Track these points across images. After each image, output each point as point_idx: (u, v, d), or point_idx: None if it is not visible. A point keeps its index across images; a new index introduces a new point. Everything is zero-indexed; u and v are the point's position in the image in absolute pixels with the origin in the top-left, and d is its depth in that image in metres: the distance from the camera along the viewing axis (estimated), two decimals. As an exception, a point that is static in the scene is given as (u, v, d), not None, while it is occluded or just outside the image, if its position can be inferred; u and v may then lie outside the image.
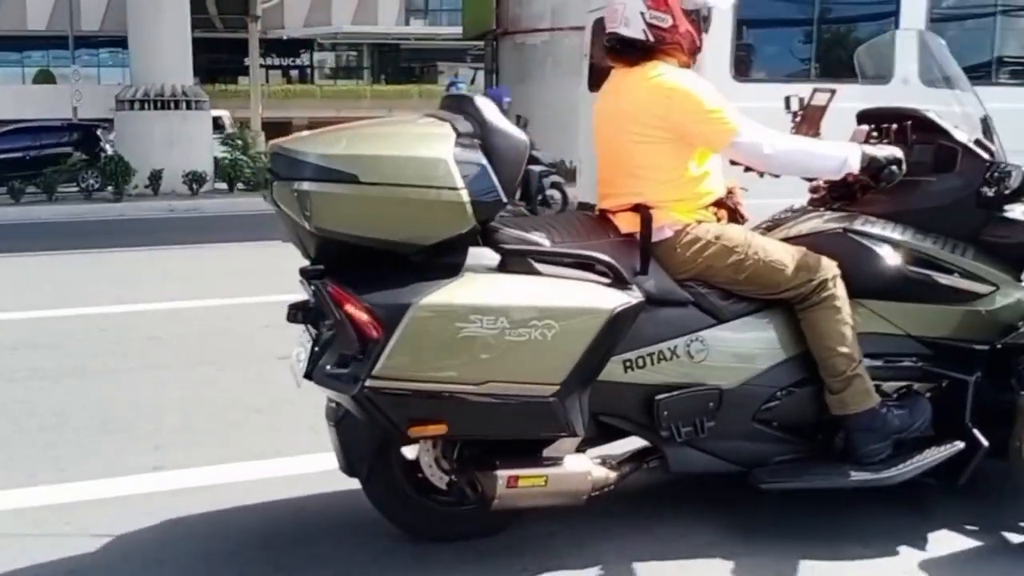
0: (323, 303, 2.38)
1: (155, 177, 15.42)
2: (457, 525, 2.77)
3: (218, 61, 37.30)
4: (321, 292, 2.38)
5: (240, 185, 16.53)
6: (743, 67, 5.16)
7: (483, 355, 2.29)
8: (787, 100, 3.34)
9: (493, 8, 11.85)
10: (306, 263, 2.59)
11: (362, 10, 41.60)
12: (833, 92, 3.17)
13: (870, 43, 4.16)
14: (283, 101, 37.93)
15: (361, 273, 2.33)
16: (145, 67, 16.58)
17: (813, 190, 3.14)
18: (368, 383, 2.23)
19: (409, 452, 2.70)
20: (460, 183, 2.28)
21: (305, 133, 2.54)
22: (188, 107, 16.54)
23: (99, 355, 5.18)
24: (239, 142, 18.22)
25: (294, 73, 44.01)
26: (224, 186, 16.60)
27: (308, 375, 2.43)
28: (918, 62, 5.05)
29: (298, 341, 2.63)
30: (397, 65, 44.13)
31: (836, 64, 5.72)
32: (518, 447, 2.52)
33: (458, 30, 45.89)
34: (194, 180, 15.61)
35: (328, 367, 2.37)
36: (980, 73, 5.57)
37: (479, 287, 2.33)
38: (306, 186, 2.25)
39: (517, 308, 2.31)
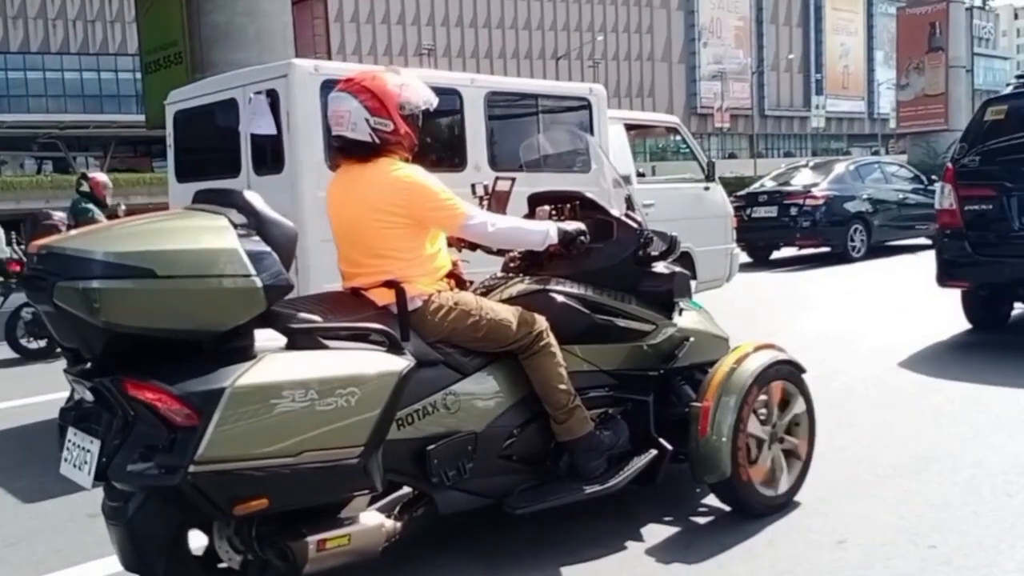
0: (112, 399, 2.33)
1: None
2: None
3: None
4: (110, 389, 2.33)
5: None
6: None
7: (297, 427, 2.39)
8: (473, 187, 3.82)
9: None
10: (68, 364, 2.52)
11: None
12: (513, 180, 3.71)
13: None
14: None
15: (156, 365, 2.32)
16: None
17: (510, 260, 3.62)
18: (192, 469, 2.23)
19: (195, 541, 2.67)
20: (252, 270, 2.38)
21: (74, 233, 2.47)
22: None
23: None
24: None
25: None
26: None
27: (102, 475, 2.35)
28: (486, 152, 5.92)
29: (67, 445, 2.51)
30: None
31: (421, 156, 6.35)
32: (315, 512, 2.61)
33: (29, 117, 41.84)
34: None
35: (128, 464, 2.29)
36: (532, 163, 6.47)
37: (283, 365, 2.43)
38: (96, 284, 2.20)
39: (323, 379, 2.44)
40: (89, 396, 2.44)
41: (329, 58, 12.60)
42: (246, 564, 2.65)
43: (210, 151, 6.43)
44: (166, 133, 6.32)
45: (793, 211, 13.39)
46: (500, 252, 3.59)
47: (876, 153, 52.68)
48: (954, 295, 7.01)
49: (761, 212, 13.71)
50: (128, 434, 2.31)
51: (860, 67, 79.46)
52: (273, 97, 5.15)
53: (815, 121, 68.11)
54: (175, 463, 2.24)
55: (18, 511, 4.00)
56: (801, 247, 14.03)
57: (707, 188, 8.25)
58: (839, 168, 14.36)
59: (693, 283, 7.68)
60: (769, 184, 14.74)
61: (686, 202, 8.00)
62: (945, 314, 7.25)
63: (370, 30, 58.71)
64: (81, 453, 2.44)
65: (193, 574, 2.65)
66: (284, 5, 11.43)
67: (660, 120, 8.80)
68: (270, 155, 5.30)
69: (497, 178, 3.77)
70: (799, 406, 3.55)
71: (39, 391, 6.36)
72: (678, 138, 8.72)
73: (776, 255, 14.32)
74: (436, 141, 6.63)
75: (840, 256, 13.34)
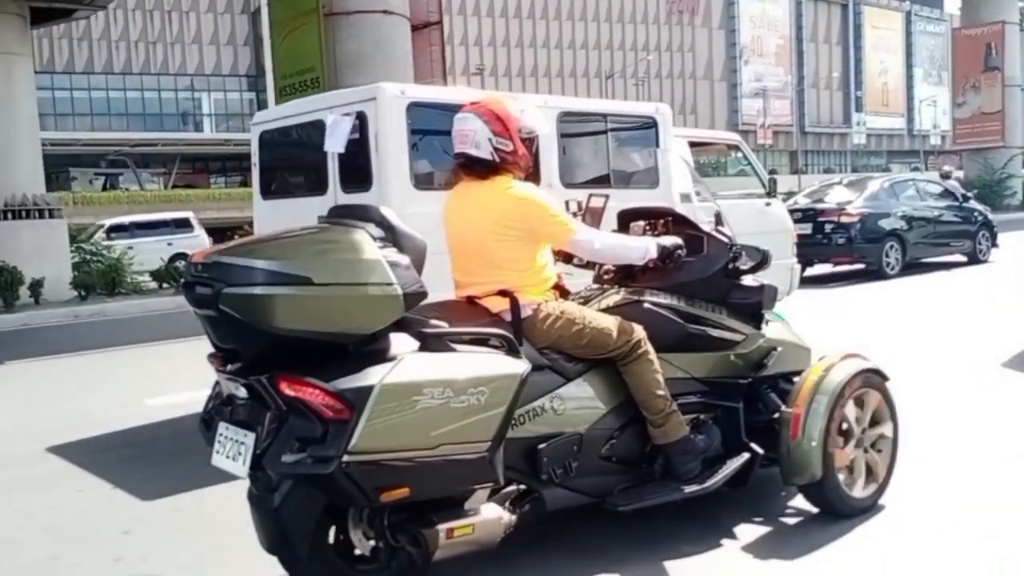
0: (267, 395, 2.50)
1: (36, 285, 13.67)
2: None
3: None
4: (265, 386, 2.50)
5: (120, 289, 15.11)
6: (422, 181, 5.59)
7: (435, 422, 2.54)
8: (566, 204, 3.96)
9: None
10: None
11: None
12: (607, 197, 3.83)
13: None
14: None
15: (306, 364, 2.48)
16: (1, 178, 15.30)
17: (604, 272, 3.73)
18: (345, 459, 2.39)
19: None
20: (394, 279, 2.56)
21: (233, 244, 2.64)
22: (49, 215, 15.42)
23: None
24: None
25: None
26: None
27: (257, 465, 2.52)
28: (557, 170, 6.08)
29: (219, 438, 2.69)
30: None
31: None
32: (441, 503, 2.75)
33: (100, 135, 43.32)
34: (83, 286, 14.43)
35: (283, 454, 2.46)
36: (600, 178, 6.63)
37: (421, 365, 2.59)
38: (259, 290, 2.40)
39: (457, 379, 2.60)
40: (242, 393, 2.62)
41: (444, 81, 13.33)
42: (377, 551, 2.82)
43: (296, 170, 6.60)
44: (251, 152, 6.50)
45: (828, 228, 13.26)
46: (589, 265, 3.71)
47: (916, 170, 52.13)
48: (1013, 309, 7.01)
49: (796, 229, 13.63)
50: (281, 427, 2.48)
51: (899, 84, 78.54)
52: (361, 119, 5.30)
53: (856, 138, 67.39)
54: (329, 453, 2.40)
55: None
56: (836, 264, 13.91)
57: (768, 204, 8.33)
58: (874, 185, 14.23)
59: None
60: (803, 201, 14.60)
61: (749, 217, 7.98)
62: (1018, 325, 7.24)
63: (418, 50, 59.24)
64: (235, 445, 2.62)
65: (330, 559, 2.81)
66: (405, 34, 12.29)
67: (722, 138, 8.94)
68: (358, 174, 5.44)
69: (591, 195, 3.89)
70: (884, 412, 3.63)
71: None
72: (739, 155, 8.79)
73: (809, 272, 14.21)
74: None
75: (875, 273, 13.21)
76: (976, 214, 14.93)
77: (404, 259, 2.64)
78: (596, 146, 6.60)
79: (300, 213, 5.76)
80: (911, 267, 13.59)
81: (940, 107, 66.97)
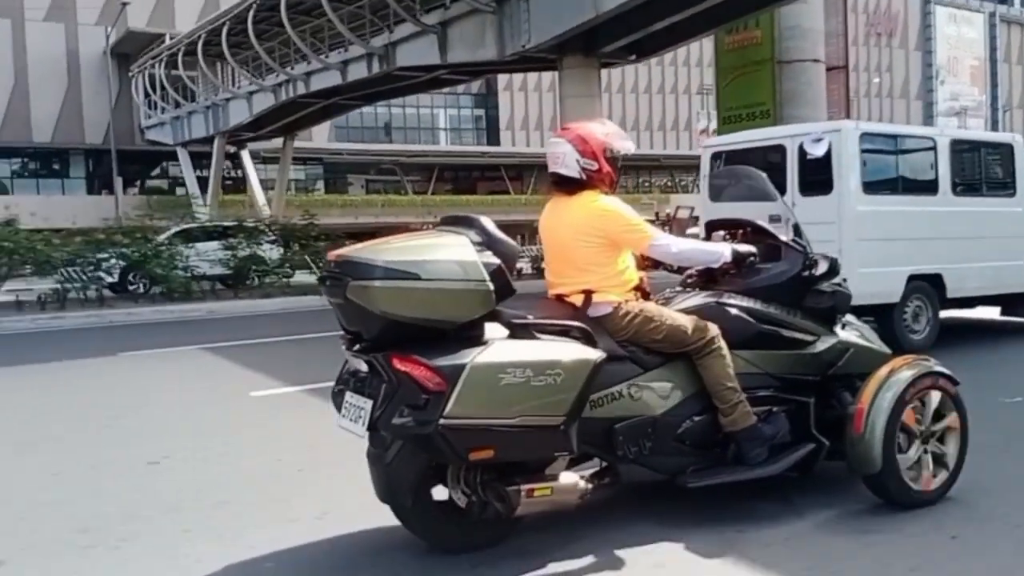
0: (382, 370, 2.74)
1: None
2: (473, 536, 3.08)
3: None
4: (380, 362, 2.74)
5: None
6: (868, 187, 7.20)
7: (517, 396, 2.70)
8: (656, 213, 4.03)
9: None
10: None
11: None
12: (692, 209, 3.88)
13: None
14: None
15: (414, 346, 2.70)
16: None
17: (688, 276, 3.71)
18: (441, 422, 2.60)
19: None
20: (487, 277, 2.75)
21: (360, 246, 2.85)
22: None
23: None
24: None
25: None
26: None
27: (372, 426, 2.77)
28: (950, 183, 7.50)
29: (345, 405, 2.93)
30: (320, 177, 46.87)
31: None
32: (527, 467, 2.93)
33: (383, 147, 46.41)
34: None
35: (393, 418, 2.69)
36: (975, 187, 8.07)
37: (506, 349, 2.76)
38: (378, 284, 2.64)
39: (536, 362, 2.75)
40: (364, 368, 2.88)
41: (848, 111, 17.67)
42: (470, 504, 3.00)
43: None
44: (701, 165, 8.39)
45: None
46: (680, 271, 3.72)
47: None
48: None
49: None
50: (393, 396, 2.71)
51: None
52: (827, 144, 6.97)
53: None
54: (429, 418, 2.60)
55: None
56: None
57: None
58: None
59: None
60: None
61: None
62: None
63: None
64: (356, 410, 2.86)
65: (431, 509, 3.03)
66: (822, 76, 15.83)
67: None
68: (818, 183, 7.11)
69: (678, 207, 4.02)
70: (951, 415, 3.45)
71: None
72: None
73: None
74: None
75: None
76: None
77: (497, 261, 2.80)
78: (975, 164, 8.11)
79: (748, 213, 6.60)
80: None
81: None
